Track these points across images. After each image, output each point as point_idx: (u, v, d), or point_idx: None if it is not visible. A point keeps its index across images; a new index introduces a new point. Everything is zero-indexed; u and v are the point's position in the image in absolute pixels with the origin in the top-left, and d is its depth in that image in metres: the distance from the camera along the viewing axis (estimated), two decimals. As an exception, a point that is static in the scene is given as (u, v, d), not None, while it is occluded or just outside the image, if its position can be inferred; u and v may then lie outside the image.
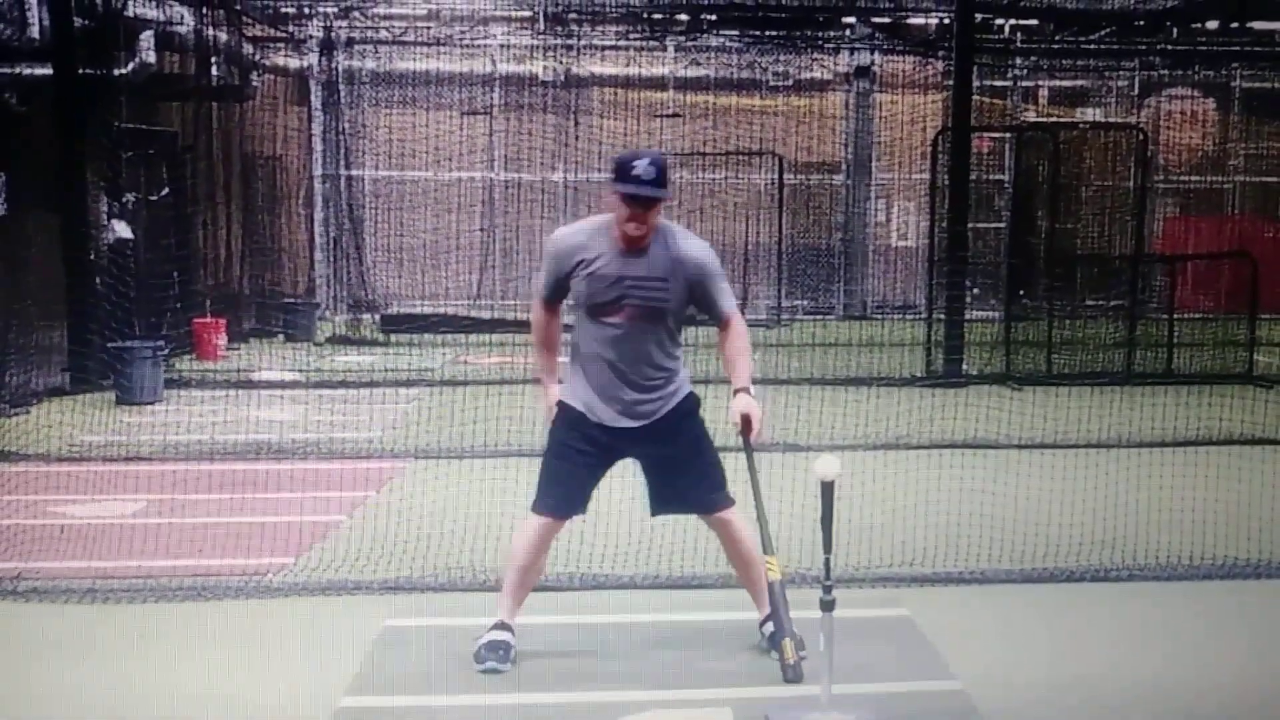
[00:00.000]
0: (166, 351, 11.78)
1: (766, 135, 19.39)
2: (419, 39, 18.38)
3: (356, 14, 17.77)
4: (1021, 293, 15.00)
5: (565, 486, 4.56)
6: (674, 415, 4.55)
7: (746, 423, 4.50)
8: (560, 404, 4.64)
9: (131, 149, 13.20)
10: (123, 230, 12.66)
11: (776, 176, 18.86)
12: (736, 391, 4.51)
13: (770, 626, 4.67)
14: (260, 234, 17.46)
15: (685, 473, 4.59)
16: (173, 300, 13.48)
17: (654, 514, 4.75)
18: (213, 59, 15.12)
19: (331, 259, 18.16)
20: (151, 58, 13.17)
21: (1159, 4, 16.00)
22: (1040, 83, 20.51)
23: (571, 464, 4.56)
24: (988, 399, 10.66)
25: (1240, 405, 10.17)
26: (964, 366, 12.76)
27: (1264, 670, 4.72)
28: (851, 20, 18.69)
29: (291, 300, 17.27)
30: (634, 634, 5.00)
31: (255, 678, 4.55)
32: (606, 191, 4.43)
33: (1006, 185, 18.98)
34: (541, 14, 17.30)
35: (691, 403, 4.62)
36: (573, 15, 17.26)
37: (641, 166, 4.31)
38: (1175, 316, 13.53)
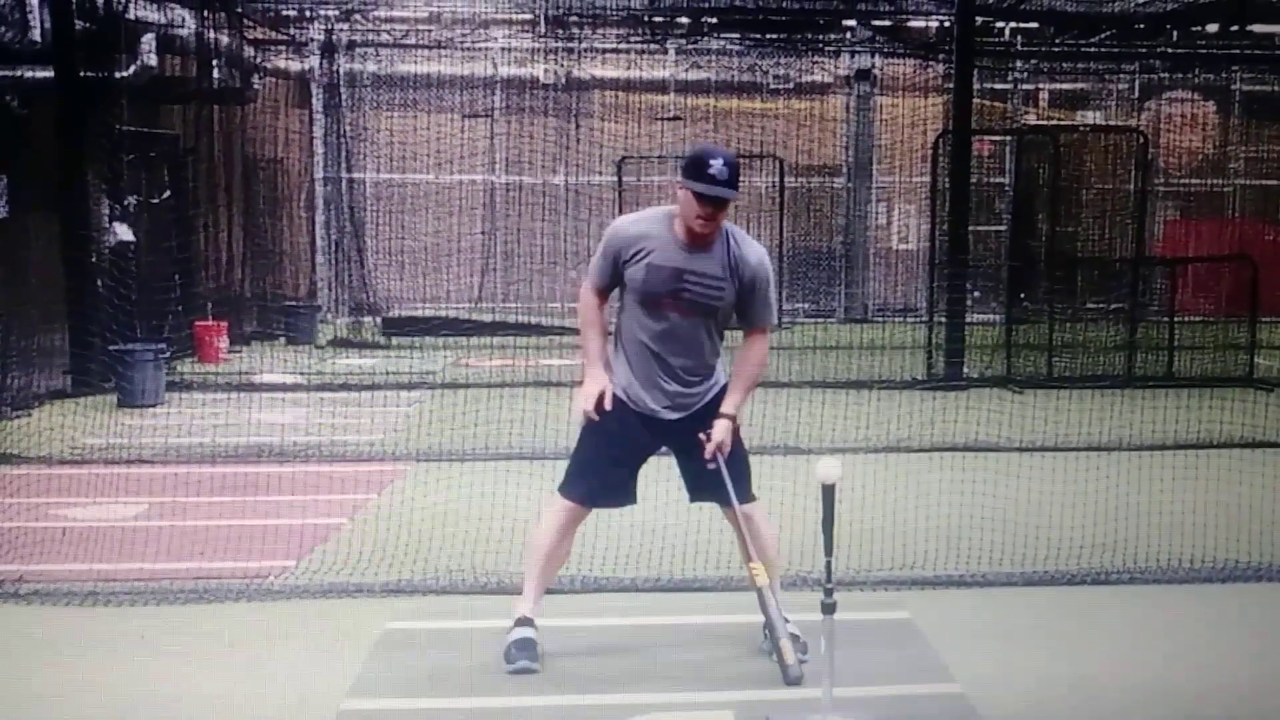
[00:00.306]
0: (168, 354, 11.77)
1: (767, 138, 19.39)
2: (420, 42, 18.40)
3: (358, 17, 17.79)
4: (1022, 295, 15.00)
5: (595, 475, 4.56)
6: (710, 407, 4.57)
7: (714, 444, 4.48)
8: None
9: (133, 151, 13.21)
10: (124, 233, 12.66)
11: (777, 179, 18.85)
12: (722, 414, 4.51)
13: None
14: (262, 237, 17.47)
15: (723, 461, 4.58)
16: (174, 303, 13.48)
17: (692, 500, 4.77)
18: (214, 62, 15.13)
19: (333, 262, 18.17)
20: (153, 60, 13.18)
21: (1159, 7, 16.02)
22: (1041, 86, 20.52)
23: (604, 451, 4.54)
24: (988, 402, 10.68)
25: (1241, 408, 10.17)
26: (965, 369, 12.76)
27: (1265, 673, 4.73)
28: (852, 23, 18.70)
29: (293, 303, 17.28)
30: (635, 637, 5.01)
31: (257, 680, 4.55)
32: (677, 184, 4.43)
33: (1007, 188, 18.98)
34: (542, 17, 17.31)
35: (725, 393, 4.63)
36: (574, 18, 17.27)
37: (717, 166, 4.31)
38: (1176, 319, 13.53)
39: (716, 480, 4.56)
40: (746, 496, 4.63)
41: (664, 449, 4.69)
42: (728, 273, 4.42)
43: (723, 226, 4.45)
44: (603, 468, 4.56)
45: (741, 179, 4.48)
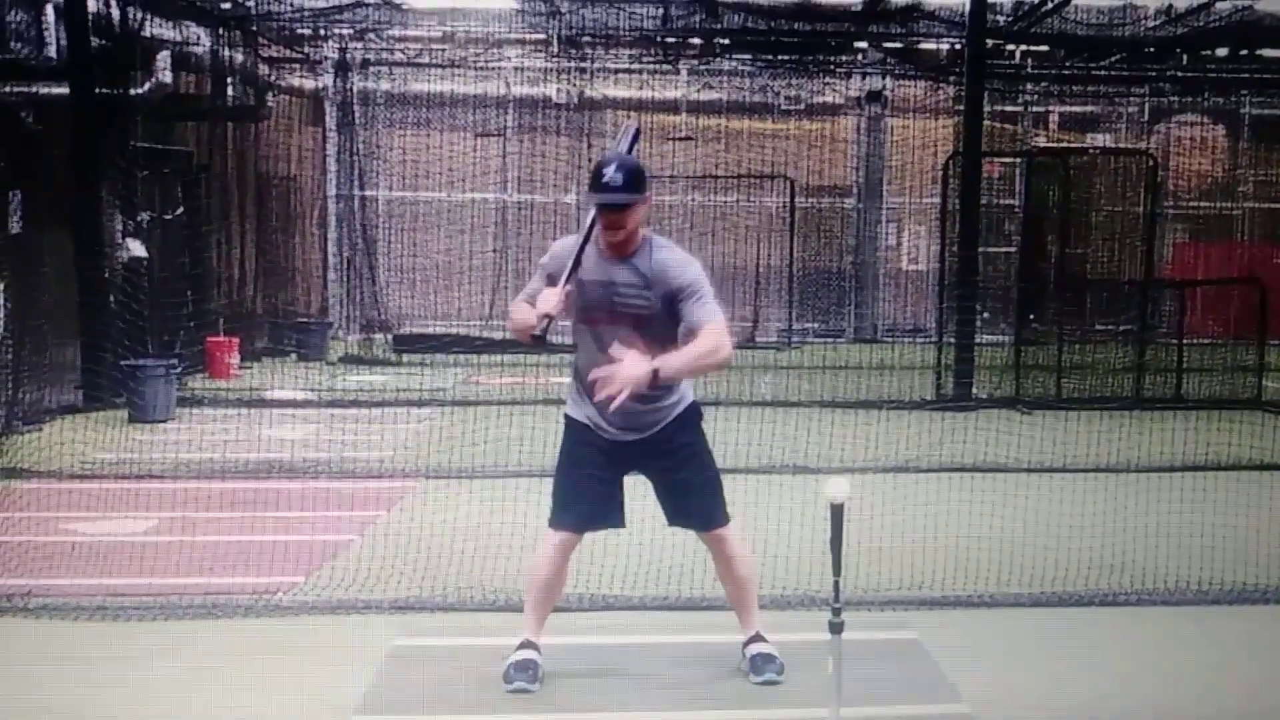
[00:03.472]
0: (179, 370, 11.82)
1: (778, 159, 19.45)
2: (434, 61, 18.48)
3: (372, 36, 17.88)
4: (1031, 317, 14.99)
5: (580, 501, 4.58)
6: (674, 426, 4.56)
7: (612, 370, 4.23)
8: (567, 418, 4.67)
9: (147, 168, 13.28)
10: (137, 249, 12.73)
11: (788, 200, 18.90)
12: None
13: (754, 649, 4.70)
14: (274, 253, 17.55)
15: (680, 487, 4.61)
16: (186, 319, 13.53)
17: (669, 524, 4.77)
18: (229, 79, 15.24)
19: (345, 279, 18.22)
20: (168, 78, 13.25)
21: (1169, 31, 16.05)
22: (1051, 108, 20.55)
23: (583, 477, 4.57)
24: (997, 422, 10.67)
25: (1249, 430, 10.16)
26: (974, 390, 12.75)
27: (1272, 696, 4.72)
28: (863, 45, 18.75)
29: (304, 319, 17.33)
30: (641, 656, 5.01)
31: (265, 696, 4.56)
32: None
33: (1017, 210, 18.97)
34: (555, 37, 17.38)
35: (692, 414, 4.62)
36: (586, 39, 17.33)
37: (610, 173, 4.33)
38: (1184, 341, 13.52)
39: (686, 503, 4.59)
40: (714, 520, 4.62)
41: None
42: (648, 280, 4.39)
43: (646, 238, 4.47)
44: (586, 492, 4.57)
45: (645, 184, 4.37)
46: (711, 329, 4.32)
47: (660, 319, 4.40)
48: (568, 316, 4.49)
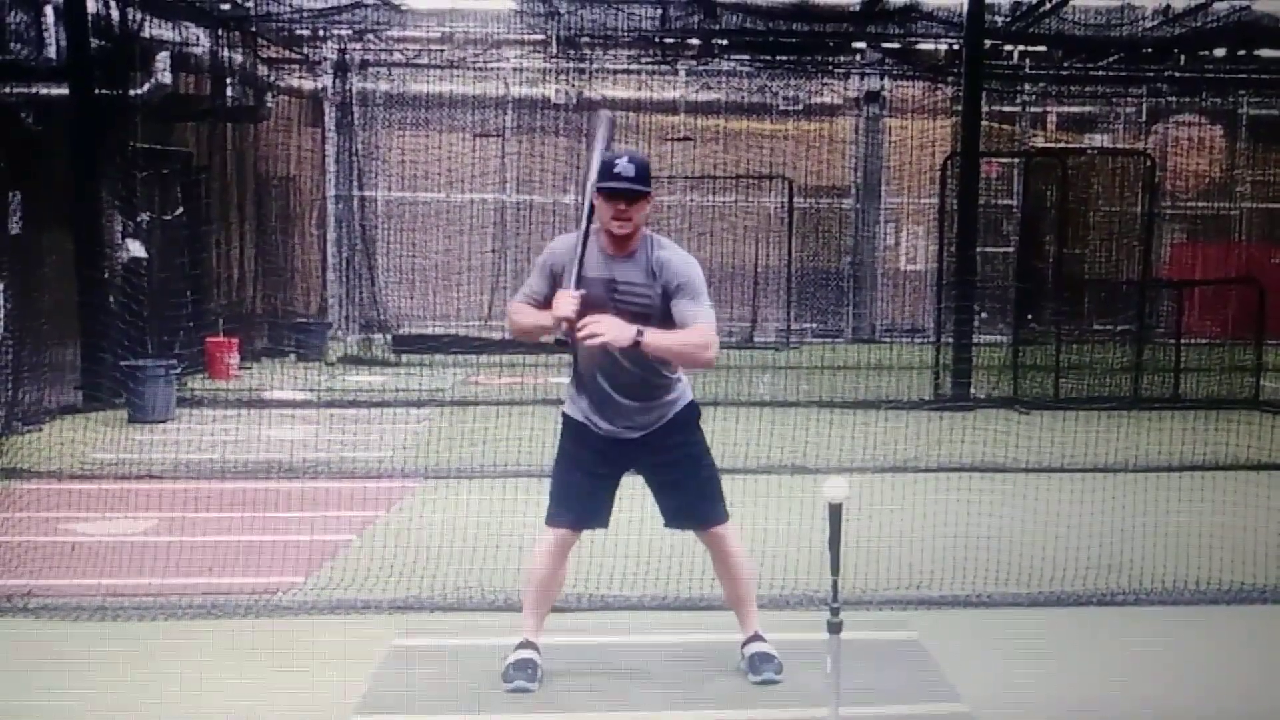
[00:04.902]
0: (179, 370, 11.83)
1: (776, 159, 19.46)
2: (432, 62, 18.49)
3: (371, 37, 17.88)
4: (1029, 317, 15.01)
5: (578, 499, 4.60)
6: (672, 424, 4.57)
7: (607, 322, 4.26)
8: (565, 416, 4.68)
9: (146, 169, 13.28)
10: (137, 249, 12.74)
11: (786, 200, 18.92)
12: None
13: (752, 648, 4.71)
14: (273, 254, 17.55)
15: (678, 486, 4.62)
16: (185, 319, 13.54)
17: (665, 526, 4.78)
18: (228, 80, 15.23)
19: (344, 279, 18.23)
20: (167, 78, 13.25)
21: (1167, 32, 16.06)
22: (1049, 109, 20.57)
23: (581, 475, 4.59)
24: (995, 422, 10.68)
25: (1246, 430, 10.19)
26: (972, 390, 12.78)
27: (1270, 695, 4.73)
28: (862, 46, 18.77)
29: (304, 320, 17.34)
30: (640, 655, 5.02)
31: (264, 696, 4.58)
32: (594, 196, 4.42)
33: (1015, 210, 18.99)
34: (554, 38, 17.38)
35: (691, 413, 4.63)
36: (585, 39, 17.35)
37: (622, 164, 4.38)
38: (1182, 342, 13.55)
39: (685, 502, 4.61)
40: (713, 518, 4.63)
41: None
42: (651, 278, 4.42)
43: (646, 236, 4.50)
44: (583, 491, 4.59)
45: (654, 181, 4.47)
46: (703, 326, 4.37)
47: (660, 316, 4.42)
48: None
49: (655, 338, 4.31)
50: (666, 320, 4.41)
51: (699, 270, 4.48)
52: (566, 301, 4.33)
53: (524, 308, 4.56)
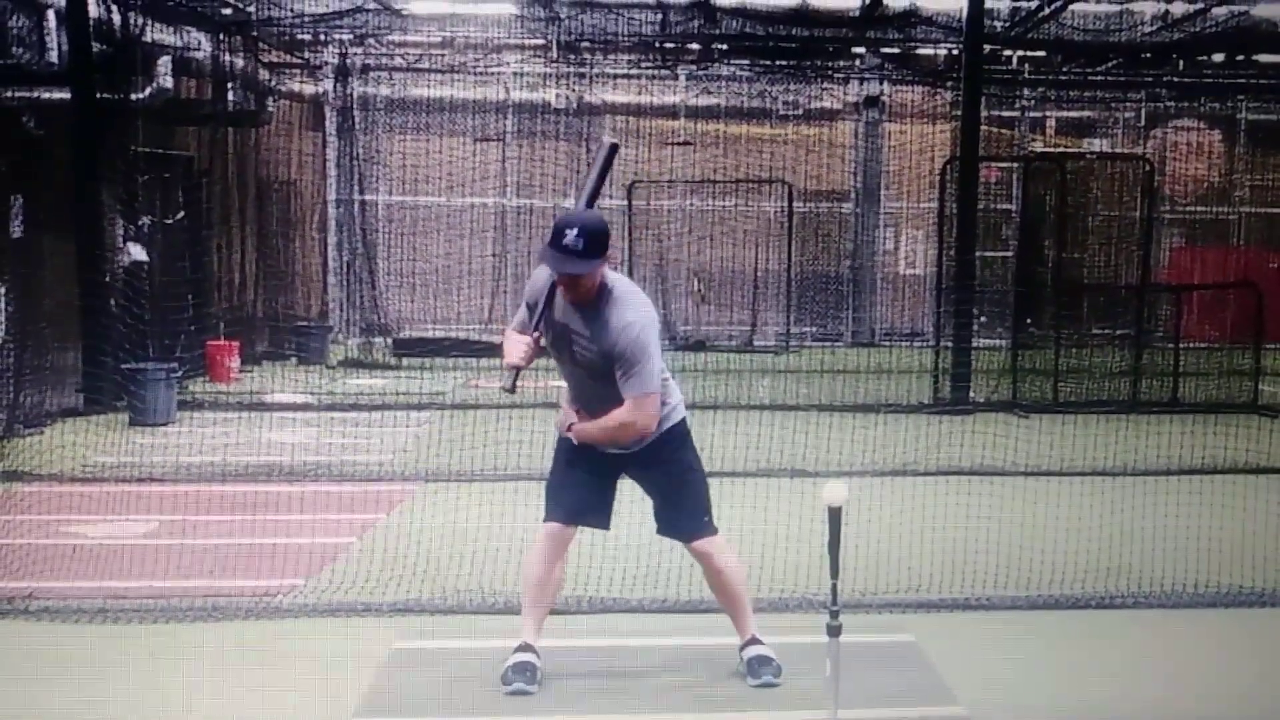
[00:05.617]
0: (180, 373, 11.84)
1: (776, 163, 19.49)
2: (433, 66, 18.52)
3: (372, 41, 17.92)
4: (1028, 321, 15.04)
5: (570, 493, 4.62)
6: (659, 442, 4.59)
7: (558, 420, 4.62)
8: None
9: (148, 172, 13.31)
10: (138, 253, 12.76)
11: (786, 204, 18.94)
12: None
13: (750, 651, 4.73)
14: (274, 258, 17.57)
15: (666, 498, 4.66)
16: (187, 322, 13.55)
17: (657, 533, 4.80)
18: (229, 84, 15.25)
19: (344, 283, 18.25)
20: (169, 83, 13.27)
21: (1166, 37, 16.10)
22: (1048, 113, 20.60)
23: (574, 472, 4.62)
24: (994, 426, 10.70)
25: (1245, 434, 10.19)
26: (971, 394, 12.79)
27: (1268, 698, 4.75)
28: (861, 51, 18.81)
29: (304, 323, 17.35)
30: (639, 658, 5.04)
31: (265, 698, 4.59)
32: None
33: (1014, 214, 19.03)
34: (554, 42, 17.41)
35: (677, 431, 4.65)
36: (585, 44, 17.38)
37: (570, 237, 4.23)
38: (1181, 346, 13.55)
39: (669, 515, 4.64)
40: (697, 532, 4.64)
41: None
42: (597, 337, 4.38)
43: (609, 288, 4.41)
44: (577, 486, 4.62)
45: (606, 245, 4.29)
46: (631, 403, 4.37)
47: (608, 371, 4.40)
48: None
49: (583, 431, 4.50)
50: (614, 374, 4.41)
51: (641, 335, 4.33)
52: (515, 347, 4.41)
53: (511, 336, 4.57)
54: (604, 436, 4.48)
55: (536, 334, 4.42)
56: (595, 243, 4.27)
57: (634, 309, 4.41)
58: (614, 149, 4.71)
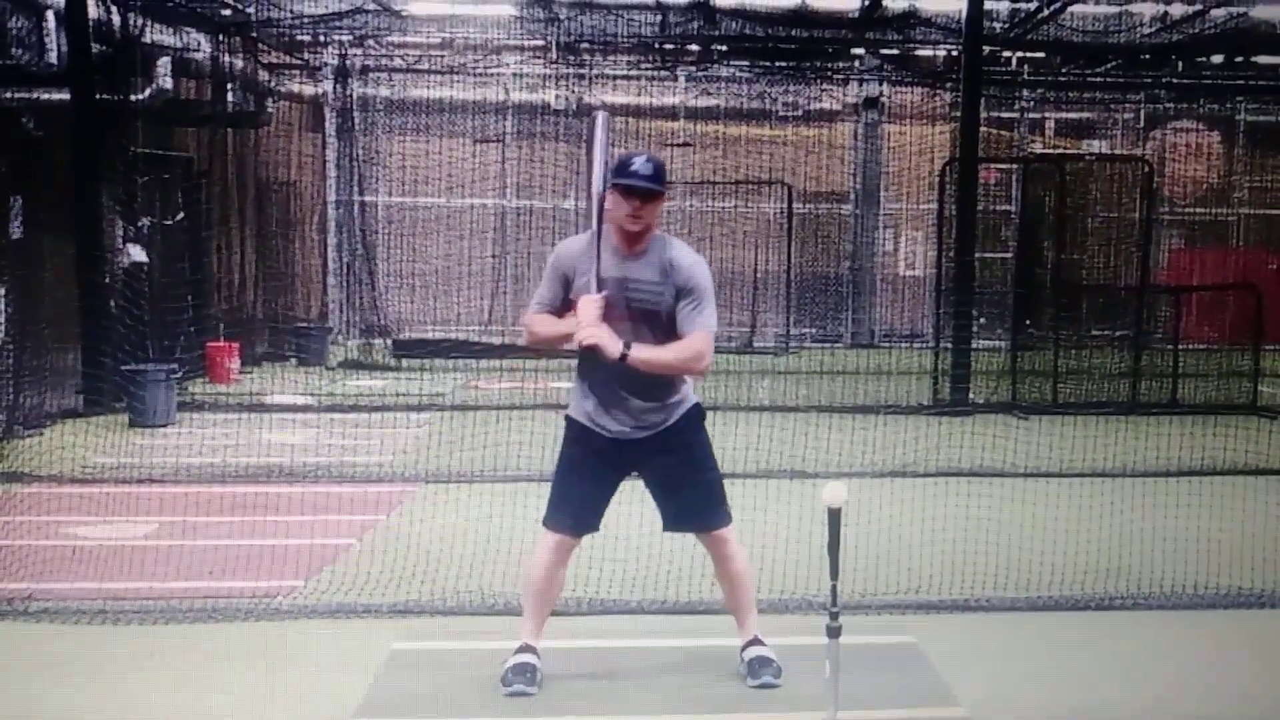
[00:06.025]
0: (179, 374, 11.84)
1: (776, 165, 19.49)
2: (433, 67, 18.52)
3: (371, 42, 17.92)
4: (1028, 322, 15.03)
5: (578, 503, 4.60)
6: (677, 425, 4.58)
7: (602, 335, 4.36)
8: (568, 419, 4.69)
9: (147, 174, 13.31)
10: (137, 254, 12.76)
11: (785, 205, 18.95)
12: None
13: (751, 652, 4.72)
14: (274, 259, 17.57)
15: (683, 486, 4.62)
16: (186, 323, 13.56)
17: (665, 529, 4.79)
18: (229, 85, 15.26)
19: (344, 284, 18.26)
20: (168, 84, 13.28)
21: (1165, 38, 16.11)
22: (1047, 115, 20.60)
23: (582, 480, 4.60)
24: (994, 427, 10.70)
25: (1244, 435, 10.20)
26: (970, 395, 12.80)
27: (1268, 699, 4.75)
28: (861, 52, 18.82)
29: (304, 324, 17.35)
30: (639, 659, 5.04)
31: (264, 699, 4.59)
32: (609, 196, 4.46)
33: (1013, 216, 19.03)
34: (554, 43, 17.43)
35: (696, 413, 4.65)
36: (585, 45, 17.38)
37: (639, 163, 4.44)
38: (1180, 347, 13.56)
39: (687, 503, 4.61)
40: (716, 521, 4.64)
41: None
42: (663, 276, 4.47)
43: (658, 236, 4.54)
44: (584, 495, 4.60)
45: (667, 180, 4.53)
46: (698, 337, 4.44)
47: (670, 314, 4.47)
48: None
49: (642, 353, 4.40)
50: (672, 317, 4.46)
51: (708, 274, 4.54)
52: (590, 307, 4.38)
53: (542, 318, 4.57)
54: (666, 364, 4.45)
55: (605, 292, 4.42)
56: (660, 171, 4.47)
57: (692, 252, 4.58)
58: (605, 119, 4.76)
